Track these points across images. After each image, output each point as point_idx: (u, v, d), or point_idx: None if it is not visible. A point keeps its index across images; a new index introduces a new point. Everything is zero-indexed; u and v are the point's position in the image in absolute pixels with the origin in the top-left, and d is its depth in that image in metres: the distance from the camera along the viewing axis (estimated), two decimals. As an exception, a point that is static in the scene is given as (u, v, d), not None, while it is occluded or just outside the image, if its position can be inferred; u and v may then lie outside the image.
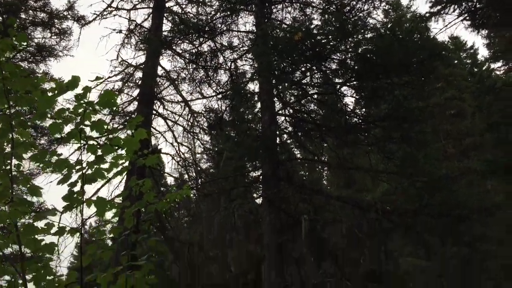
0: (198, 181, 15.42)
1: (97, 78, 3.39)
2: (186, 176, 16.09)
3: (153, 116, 17.04)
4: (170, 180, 22.35)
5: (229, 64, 16.23)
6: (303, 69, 11.15)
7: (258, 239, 10.71)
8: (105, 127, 3.45)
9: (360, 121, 12.13)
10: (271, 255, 9.39)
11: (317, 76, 11.75)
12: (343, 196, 11.50)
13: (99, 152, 3.39)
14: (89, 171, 3.40)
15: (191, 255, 12.45)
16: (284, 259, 9.73)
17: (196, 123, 17.61)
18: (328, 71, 11.17)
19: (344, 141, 11.93)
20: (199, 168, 16.60)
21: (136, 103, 17.21)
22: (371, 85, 11.25)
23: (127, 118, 17.41)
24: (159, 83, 17.83)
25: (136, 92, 17.81)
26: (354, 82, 11.57)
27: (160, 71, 17.98)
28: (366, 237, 11.56)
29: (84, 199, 3.39)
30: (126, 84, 18.46)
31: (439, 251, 12.43)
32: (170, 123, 17.60)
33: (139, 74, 18.04)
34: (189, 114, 17.73)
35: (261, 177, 10.90)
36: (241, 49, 14.85)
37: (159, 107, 17.66)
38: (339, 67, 10.75)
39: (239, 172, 11.58)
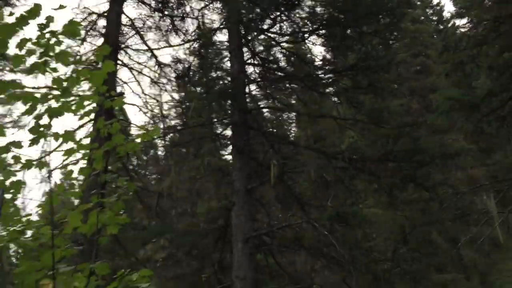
0: (165, 134, 15.32)
1: (61, 6, 3.24)
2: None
3: (117, 66, 16.61)
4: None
5: (196, 13, 15.90)
6: (272, 17, 10.99)
7: (228, 187, 10.83)
8: (71, 59, 3.38)
9: (328, 70, 12.18)
10: (240, 201, 9.56)
11: (286, 25, 11.63)
12: (310, 145, 11.67)
13: (65, 84, 3.30)
14: (55, 105, 3.33)
15: (160, 204, 12.51)
16: (253, 205, 9.92)
17: (163, 74, 17.33)
18: (297, 20, 11.07)
19: (312, 90, 12.00)
20: (167, 121, 16.47)
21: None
22: (340, 34, 11.24)
23: (91, 68, 16.90)
24: (124, 32, 17.27)
25: (100, 41, 17.22)
26: (323, 31, 11.54)
27: (124, 19, 17.37)
28: (333, 184, 11.86)
29: (51, 133, 3.34)
30: (89, 33, 17.80)
31: (401, 197, 12.92)
32: (136, 74, 17.22)
33: (102, 22, 17.39)
34: (156, 65, 17.39)
35: (230, 126, 10.91)
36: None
37: (124, 57, 17.21)
38: (308, 15, 10.65)
39: (208, 122, 11.53)
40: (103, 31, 16.93)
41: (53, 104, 3.36)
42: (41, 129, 3.32)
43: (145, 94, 16.87)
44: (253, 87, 12.47)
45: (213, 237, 11.08)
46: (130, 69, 17.11)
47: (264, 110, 12.29)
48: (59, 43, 3.27)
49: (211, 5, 15.36)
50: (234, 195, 9.80)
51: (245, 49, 12.53)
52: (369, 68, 11.22)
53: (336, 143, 12.79)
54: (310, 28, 11.22)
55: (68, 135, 3.42)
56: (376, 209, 14.98)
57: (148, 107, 16.69)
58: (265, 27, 11.62)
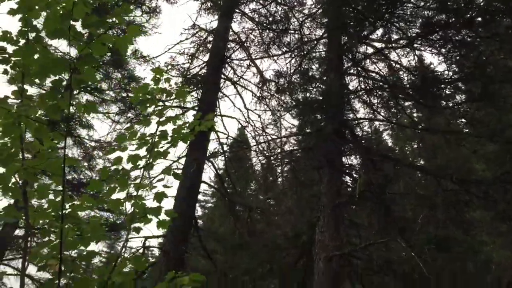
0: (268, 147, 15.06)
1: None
2: (254, 142, 15.77)
3: (222, 80, 16.90)
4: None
5: (297, 25, 15.64)
6: (372, 20, 10.18)
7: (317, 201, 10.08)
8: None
9: (438, 79, 10.92)
10: (325, 217, 8.76)
11: (389, 30, 10.71)
12: (414, 163, 10.46)
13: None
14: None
15: (251, 218, 12.16)
16: (340, 222, 9.03)
17: (266, 89, 17.26)
18: (401, 22, 10.11)
19: (419, 102, 10.84)
20: (267, 135, 16.21)
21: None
22: (451, 38, 10.04)
23: (198, 84, 17.36)
24: (229, 47, 17.60)
25: (207, 57, 17.73)
26: (432, 36, 10.41)
27: (231, 36, 17.75)
28: (441, 210, 10.46)
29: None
30: (199, 50, 18.43)
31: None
32: (239, 89, 17.37)
33: (211, 38, 17.95)
34: (260, 81, 17.41)
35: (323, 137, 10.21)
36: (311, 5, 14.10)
37: (229, 72, 17.51)
38: (412, 16, 9.66)
39: (302, 131, 10.94)
40: (210, 46, 17.50)
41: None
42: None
43: (247, 109, 16.97)
44: (351, 97, 11.62)
45: (295, 254, 10.35)
46: (234, 83, 17.36)
47: (363, 122, 11.35)
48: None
49: (313, 15, 15.02)
50: (320, 210, 9.03)
51: (344, 58, 11.86)
52: (488, 77, 9.81)
53: (445, 162, 11.33)
54: (416, 31, 10.16)
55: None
56: (497, 247, 13.01)
57: (250, 122, 16.73)
58: (365, 33, 10.85)
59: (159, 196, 4.27)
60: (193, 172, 12.89)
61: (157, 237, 12.66)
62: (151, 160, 4.15)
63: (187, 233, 12.35)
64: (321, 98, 10.60)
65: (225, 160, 15.16)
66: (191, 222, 12.59)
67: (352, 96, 11.32)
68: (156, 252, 22.65)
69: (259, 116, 16.62)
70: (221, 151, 15.09)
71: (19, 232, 13.78)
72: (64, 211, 3.10)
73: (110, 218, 18.00)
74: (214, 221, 17.52)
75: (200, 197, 27.70)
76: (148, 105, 4.15)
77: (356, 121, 10.86)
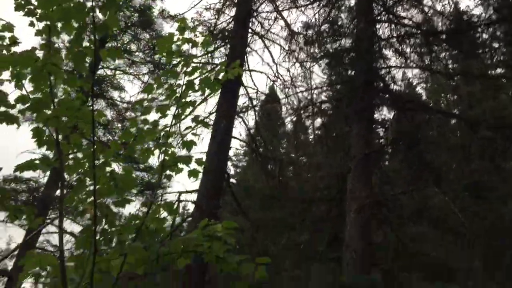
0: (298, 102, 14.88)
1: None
2: (283, 96, 15.59)
3: (249, 35, 16.63)
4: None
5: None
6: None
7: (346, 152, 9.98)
8: None
9: (474, 24, 10.42)
10: (356, 167, 8.71)
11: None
12: (447, 110, 10.18)
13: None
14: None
15: (283, 173, 12.20)
16: (371, 172, 8.97)
17: (294, 42, 16.90)
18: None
19: (454, 47, 10.42)
20: (297, 90, 16.00)
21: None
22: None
23: (226, 39, 17.16)
24: (256, 0, 17.18)
25: (234, 11, 17.40)
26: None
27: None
28: (476, 156, 10.23)
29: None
30: (226, 4, 18.08)
31: None
32: (267, 43, 17.07)
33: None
34: (288, 34, 17.02)
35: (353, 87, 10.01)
36: None
37: (256, 26, 17.20)
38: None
39: (332, 82, 10.73)
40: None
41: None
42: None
43: (276, 63, 16.72)
44: (381, 44, 11.25)
45: (327, 204, 10.39)
46: (262, 37, 17.06)
47: (395, 73, 11.02)
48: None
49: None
50: (350, 161, 8.97)
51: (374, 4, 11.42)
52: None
53: (481, 111, 10.95)
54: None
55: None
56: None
57: (278, 76, 16.52)
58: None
59: (189, 144, 4.31)
60: (223, 127, 12.94)
61: (191, 192, 12.90)
62: (179, 111, 4.16)
63: (219, 188, 12.54)
64: (351, 47, 10.32)
65: (255, 116, 15.16)
66: (223, 176, 12.76)
67: (383, 44, 10.96)
68: (191, 209, 23.22)
69: (288, 70, 16.38)
70: (251, 106, 15.07)
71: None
72: (96, 161, 3.17)
73: (145, 178, 18.43)
74: (247, 180, 17.69)
75: (232, 156, 27.98)
76: (174, 56, 4.11)
77: (388, 70, 10.56)
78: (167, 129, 4.09)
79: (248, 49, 16.54)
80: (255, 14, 16.86)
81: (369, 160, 8.85)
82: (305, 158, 13.21)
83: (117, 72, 19.30)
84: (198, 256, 3.86)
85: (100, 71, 18.22)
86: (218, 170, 12.44)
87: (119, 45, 19.10)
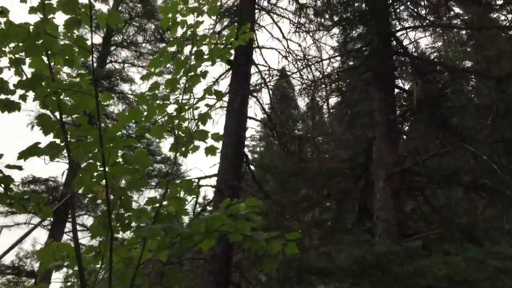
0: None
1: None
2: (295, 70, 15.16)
3: (256, 11, 16.19)
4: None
5: None
6: None
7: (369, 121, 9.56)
8: None
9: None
10: (381, 134, 8.32)
11: None
12: (470, 69, 9.67)
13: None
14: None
15: (302, 149, 11.85)
16: (396, 138, 8.56)
17: (303, 14, 16.38)
18: None
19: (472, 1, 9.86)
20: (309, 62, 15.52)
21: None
22: None
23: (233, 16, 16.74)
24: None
25: (236, -14, 16.93)
26: None
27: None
28: (504, 116, 9.71)
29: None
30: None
31: None
32: (276, 18, 16.60)
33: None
34: (296, 7, 16.50)
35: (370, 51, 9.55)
36: None
37: (263, 2, 16.74)
38: None
39: (347, 48, 10.27)
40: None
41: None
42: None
43: (286, 39, 16.26)
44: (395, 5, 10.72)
45: (352, 176, 10.02)
46: (269, 12, 16.60)
47: (411, 32, 10.51)
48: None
49: None
50: (374, 128, 8.57)
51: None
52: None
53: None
54: None
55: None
56: None
57: (290, 52, 16.08)
58: None
59: (203, 118, 4.02)
60: (238, 107, 12.63)
61: (209, 177, 12.67)
62: (190, 84, 3.88)
63: (239, 169, 12.28)
64: (364, 10, 9.84)
65: (269, 94, 14.80)
66: (242, 157, 12.48)
67: (398, 5, 10.43)
68: (210, 195, 23.12)
69: (299, 45, 15.92)
70: (264, 84, 14.71)
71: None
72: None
73: (163, 169, 18.32)
74: (265, 164, 17.45)
75: (248, 140, 27.68)
76: (180, 27, 3.81)
77: (405, 32, 10.06)
78: (179, 102, 3.78)
79: (256, 25, 16.17)
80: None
81: (394, 126, 8.44)
82: (322, 138, 12.81)
83: (126, 65, 19.12)
84: (223, 237, 3.60)
85: (108, 65, 18.05)
86: (236, 151, 12.16)
87: (125, 38, 18.89)
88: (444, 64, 9.90)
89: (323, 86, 11.19)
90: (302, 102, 15.26)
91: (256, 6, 15.96)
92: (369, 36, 9.61)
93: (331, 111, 15.64)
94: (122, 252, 3.19)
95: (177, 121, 3.66)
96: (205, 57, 3.90)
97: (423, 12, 11.01)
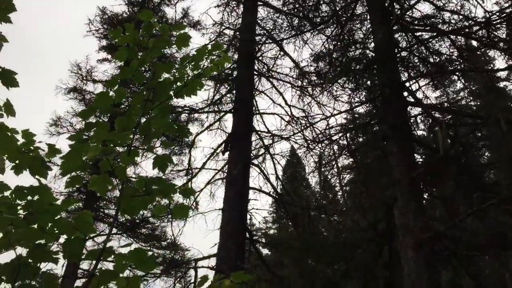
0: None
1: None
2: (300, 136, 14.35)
3: (256, 77, 15.77)
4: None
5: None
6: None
7: (388, 180, 8.49)
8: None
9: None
10: (403, 194, 7.21)
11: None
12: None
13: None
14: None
15: (309, 219, 10.71)
16: (422, 198, 7.44)
17: (305, 81, 15.88)
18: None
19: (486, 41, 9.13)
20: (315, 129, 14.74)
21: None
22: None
23: (229, 83, 16.37)
24: (259, 40, 16.44)
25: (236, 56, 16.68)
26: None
27: (258, 30, 16.64)
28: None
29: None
30: (229, 48, 17.38)
31: None
32: (276, 83, 16.13)
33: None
34: (296, 71, 16.06)
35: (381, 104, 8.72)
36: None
37: (262, 67, 16.41)
38: None
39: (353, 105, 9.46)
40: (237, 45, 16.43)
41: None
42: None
43: (289, 105, 15.64)
44: (403, 55, 10.06)
45: (374, 248, 8.74)
46: (268, 78, 16.17)
47: (424, 84, 9.76)
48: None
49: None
50: (395, 188, 7.48)
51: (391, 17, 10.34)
52: None
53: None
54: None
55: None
56: None
57: (293, 117, 15.39)
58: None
59: (162, 162, 3.08)
60: (239, 177, 11.70)
61: (208, 257, 11.44)
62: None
63: (242, 248, 11.12)
64: (371, 60, 9.15)
65: (273, 161, 13.91)
66: (245, 233, 11.33)
67: (406, 54, 9.77)
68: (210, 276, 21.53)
69: (303, 110, 15.27)
70: (266, 152, 13.84)
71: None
72: None
73: (167, 255, 17.12)
74: (269, 229, 16.24)
75: (257, 223, 26.45)
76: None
77: (416, 81, 9.29)
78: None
79: (257, 92, 15.70)
80: (259, 55, 16.11)
81: (417, 185, 7.35)
82: (334, 201, 11.75)
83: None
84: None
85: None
86: (238, 227, 11.07)
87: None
88: (467, 113, 8.98)
89: (330, 146, 10.24)
90: (313, 180, 14.26)
91: (256, 72, 15.57)
92: (378, 88, 8.81)
93: (344, 187, 14.66)
94: None
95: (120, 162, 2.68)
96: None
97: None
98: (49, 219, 2.49)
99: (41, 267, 2.41)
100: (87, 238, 2.59)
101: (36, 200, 2.66)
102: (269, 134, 14.31)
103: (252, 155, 13.34)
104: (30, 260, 2.34)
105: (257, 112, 14.69)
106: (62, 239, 2.51)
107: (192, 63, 3.09)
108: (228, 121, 22.69)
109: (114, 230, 16.33)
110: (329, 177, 12.44)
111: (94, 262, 2.40)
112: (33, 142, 2.91)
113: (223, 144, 13.37)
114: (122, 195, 2.67)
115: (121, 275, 2.51)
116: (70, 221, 2.48)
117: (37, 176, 2.76)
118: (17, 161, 2.87)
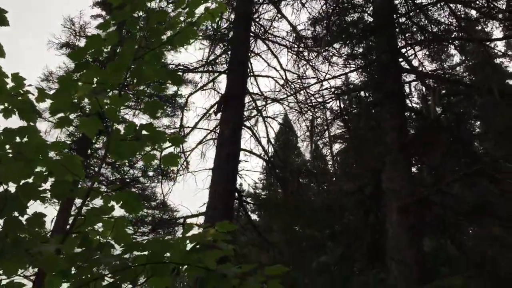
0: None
1: None
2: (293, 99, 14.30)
3: (252, 39, 15.58)
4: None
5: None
6: None
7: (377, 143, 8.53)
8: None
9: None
10: (392, 160, 7.29)
11: None
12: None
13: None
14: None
15: (299, 184, 10.80)
16: (410, 164, 7.53)
17: (302, 45, 15.71)
18: None
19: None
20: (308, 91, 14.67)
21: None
22: None
23: (225, 43, 16.19)
24: (256, 1, 16.16)
25: (231, 16, 16.43)
26: None
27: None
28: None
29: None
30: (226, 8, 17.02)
31: None
32: (271, 45, 15.95)
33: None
34: (293, 36, 15.86)
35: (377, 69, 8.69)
36: None
37: (259, 30, 16.18)
38: None
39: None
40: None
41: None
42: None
43: (284, 69, 15.53)
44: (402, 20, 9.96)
45: (360, 211, 8.88)
46: (264, 40, 15.99)
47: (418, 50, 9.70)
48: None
49: None
50: (384, 153, 7.55)
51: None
52: None
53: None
54: None
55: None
56: None
57: (288, 81, 15.31)
58: None
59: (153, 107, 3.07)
60: (230, 139, 11.71)
61: (197, 215, 11.58)
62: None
63: (230, 208, 11.23)
64: (369, 26, 9.06)
65: (265, 124, 13.93)
66: (234, 194, 11.44)
67: (404, 20, 9.67)
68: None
69: (298, 75, 15.17)
70: (259, 114, 13.83)
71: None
72: None
73: (157, 215, 17.29)
74: (259, 194, 16.38)
75: (242, 172, 26.54)
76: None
77: (412, 47, 9.24)
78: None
79: (252, 54, 15.54)
80: (256, 17, 15.87)
81: (406, 151, 7.42)
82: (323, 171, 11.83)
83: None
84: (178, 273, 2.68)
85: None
86: (228, 187, 11.15)
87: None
88: (462, 81, 8.99)
89: (323, 111, 10.24)
90: (304, 147, 14.26)
91: (252, 34, 15.37)
92: (375, 53, 8.76)
93: (335, 156, 14.73)
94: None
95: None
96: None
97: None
98: (37, 157, 2.50)
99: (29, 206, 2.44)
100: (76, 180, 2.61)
101: (25, 141, 2.66)
102: (263, 97, 14.28)
103: (244, 117, 13.31)
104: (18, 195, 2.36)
105: (251, 74, 14.60)
106: (50, 182, 2.53)
107: (186, 10, 3.06)
108: (222, 82, 22.49)
109: (104, 188, 16.35)
110: (321, 146, 12.52)
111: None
112: (22, 86, 2.89)
113: (216, 105, 13.33)
114: (111, 137, 2.67)
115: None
116: (59, 159, 2.50)
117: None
118: (6, 104, 2.86)
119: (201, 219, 11.23)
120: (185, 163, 13.66)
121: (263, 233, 11.64)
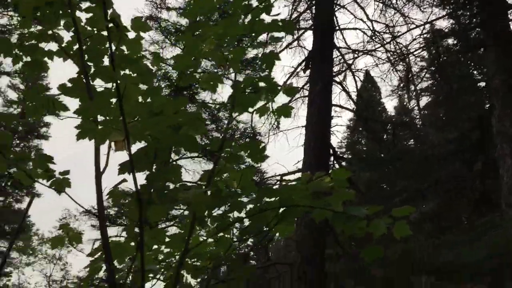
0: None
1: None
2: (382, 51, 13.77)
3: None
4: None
5: None
6: None
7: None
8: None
9: None
10: (501, 102, 6.85)
11: None
12: None
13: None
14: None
15: (396, 134, 10.49)
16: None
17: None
18: None
19: None
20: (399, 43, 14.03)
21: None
22: None
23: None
24: None
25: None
26: None
27: None
28: None
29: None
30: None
31: None
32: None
33: None
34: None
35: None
36: None
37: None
38: None
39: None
40: None
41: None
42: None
43: (371, 20, 14.94)
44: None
45: (465, 159, 8.48)
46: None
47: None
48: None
49: None
50: (492, 97, 7.12)
51: None
52: None
53: None
54: None
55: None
56: None
57: (374, 31, 14.73)
58: None
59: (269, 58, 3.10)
60: (321, 95, 11.63)
61: (293, 173, 11.76)
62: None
63: (325, 164, 11.25)
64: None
65: (354, 79, 13.64)
66: (328, 150, 11.43)
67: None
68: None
69: (386, 25, 14.50)
70: (347, 69, 13.52)
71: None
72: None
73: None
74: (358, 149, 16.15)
75: (335, 130, 26.27)
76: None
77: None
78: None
79: (337, 7, 15.07)
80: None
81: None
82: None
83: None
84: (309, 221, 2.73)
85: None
86: (322, 143, 11.15)
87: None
88: None
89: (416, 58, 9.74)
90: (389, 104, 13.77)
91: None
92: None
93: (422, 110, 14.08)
94: (159, 236, 2.35)
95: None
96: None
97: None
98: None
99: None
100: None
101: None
102: (350, 50, 13.92)
103: (333, 72, 13.11)
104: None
105: (337, 28, 14.24)
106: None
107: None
108: (307, 40, 22.11)
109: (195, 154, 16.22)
110: (411, 97, 12.03)
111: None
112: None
113: (304, 62, 13.23)
114: (236, 90, 2.75)
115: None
116: (191, 112, 2.61)
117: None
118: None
119: (297, 176, 11.25)
120: (276, 122, 13.83)
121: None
